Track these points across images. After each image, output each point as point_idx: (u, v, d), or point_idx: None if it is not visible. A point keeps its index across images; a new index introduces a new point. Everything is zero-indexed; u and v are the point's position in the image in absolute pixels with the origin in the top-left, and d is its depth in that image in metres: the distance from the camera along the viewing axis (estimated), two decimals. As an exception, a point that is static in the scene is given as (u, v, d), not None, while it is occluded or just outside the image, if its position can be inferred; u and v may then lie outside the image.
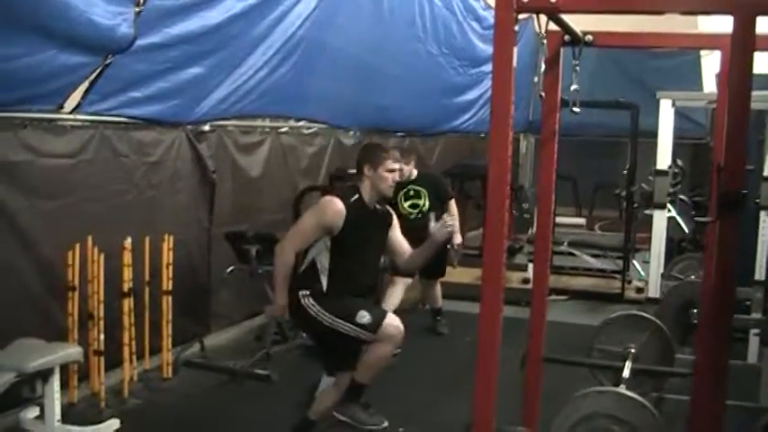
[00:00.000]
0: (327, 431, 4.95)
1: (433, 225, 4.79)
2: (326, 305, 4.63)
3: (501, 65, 2.80)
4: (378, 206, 4.89)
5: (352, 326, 4.60)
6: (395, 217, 5.04)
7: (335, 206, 4.64)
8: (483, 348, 2.93)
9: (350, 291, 4.73)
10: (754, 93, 2.62)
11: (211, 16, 5.63)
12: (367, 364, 4.78)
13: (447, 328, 7.81)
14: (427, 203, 7.51)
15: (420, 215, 7.40)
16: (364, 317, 4.61)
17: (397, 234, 4.98)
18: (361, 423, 5.00)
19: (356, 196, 4.75)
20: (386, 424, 5.06)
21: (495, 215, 2.87)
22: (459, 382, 6.10)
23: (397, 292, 7.48)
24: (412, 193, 7.52)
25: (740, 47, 2.57)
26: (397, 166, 4.92)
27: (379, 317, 4.67)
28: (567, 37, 3.75)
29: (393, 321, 4.71)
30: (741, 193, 2.56)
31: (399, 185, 7.28)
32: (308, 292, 4.65)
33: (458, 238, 7.73)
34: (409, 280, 7.59)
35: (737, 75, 2.59)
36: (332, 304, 4.64)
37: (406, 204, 7.48)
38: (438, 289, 7.89)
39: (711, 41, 4.46)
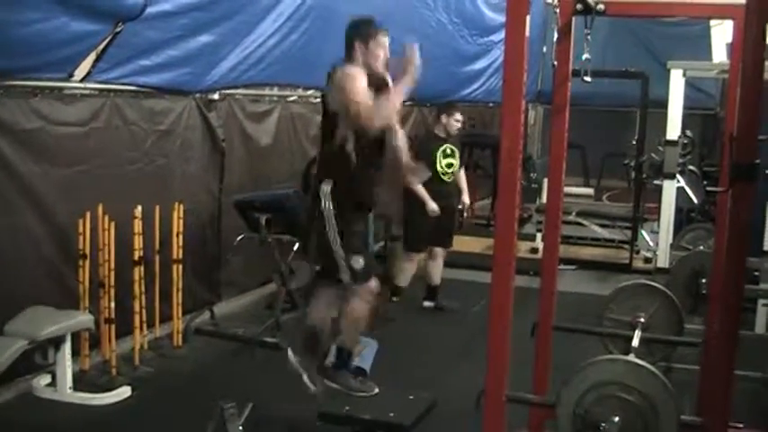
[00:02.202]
0: (332, 401, 4.98)
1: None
2: (340, 215, 4.44)
3: (514, 34, 2.79)
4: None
5: (343, 259, 4.48)
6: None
7: (354, 68, 4.42)
8: (495, 317, 2.94)
9: (369, 180, 4.58)
10: (767, 63, 2.61)
11: (222, -16, 5.62)
12: (348, 328, 4.75)
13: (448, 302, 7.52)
14: (457, 165, 7.42)
15: (452, 177, 7.36)
16: (358, 262, 4.52)
17: None
18: (351, 390, 4.98)
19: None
20: (377, 390, 5.06)
21: (507, 184, 2.87)
22: (468, 350, 6.14)
23: (437, 266, 7.49)
24: (449, 151, 7.32)
25: (754, 16, 2.56)
26: (388, 41, 4.63)
27: (368, 273, 4.58)
28: (579, 6, 3.73)
29: (373, 283, 4.67)
30: (754, 164, 2.55)
31: (439, 140, 7.27)
32: (329, 187, 4.43)
33: (466, 198, 7.66)
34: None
35: (751, 44, 2.57)
36: (345, 221, 4.45)
37: (444, 162, 7.28)
38: (440, 264, 7.59)
39: (724, 10, 4.42)
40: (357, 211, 4.60)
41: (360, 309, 4.67)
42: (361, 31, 4.59)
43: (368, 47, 4.53)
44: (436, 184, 7.03)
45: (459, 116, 7.37)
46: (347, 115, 4.37)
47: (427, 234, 7.31)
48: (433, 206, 6.96)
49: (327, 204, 4.45)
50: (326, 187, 4.47)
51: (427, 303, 7.52)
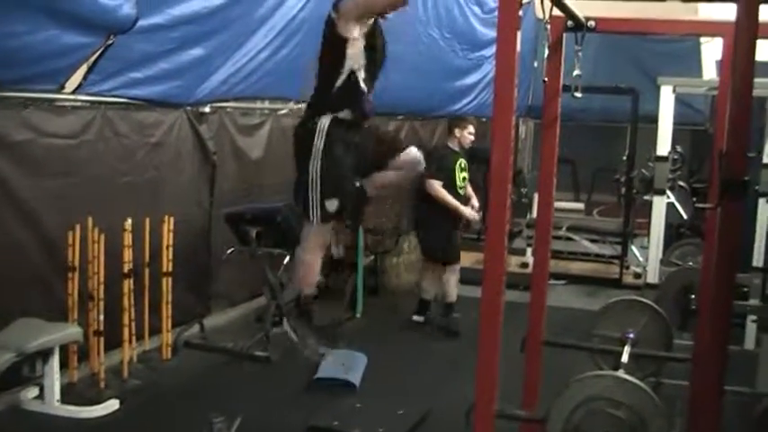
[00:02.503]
0: (322, 414, 4.97)
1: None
2: (326, 157, 4.27)
3: (504, 50, 2.80)
4: None
5: (318, 196, 4.31)
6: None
7: None
8: (484, 331, 2.94)
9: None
10: (756, 80, 2.62)
11: (213, -3, 5.63)
12: (297, 272, 4.62)
13: (459, 325, 7.23)
14: (467, 178, 7.44)
15: (464, 191, 7.40)
16: (333, 204, 4.31)
17: None
18: (301, 344, 4.84)
19: None
20: (323, 353, 4.90)
21: (497, 198, 2.88)
22: (459, 365, 6.13)
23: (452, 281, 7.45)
24: (463, 164, 7.38)
25: (744, 34, 2.58)
26: None
27: (336, 214, 4.40)
28: (569, 22, 3.75)
29: (329, 225, 4.49)
30: (743, 180, 2.57)
31: (454, 154, 7.29)
32: (328, 120, 4.30)
33: (476, 202, 7.56)
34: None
35: (741, 62, 2.59)
36: (330, 161, 4.28)
37: (461, 176, 7.33)
38: (454, 280, 7.46)
39: (714, 28, 4.45)
40: (347, 148, 4.44)
41: (311, 245, 4.49)
42: None
43: None
44: (455, 198, 7.11)
45: (472, 129, 7.39)
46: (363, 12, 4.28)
47: (447, 245, 7.34)
48: (468, 212, 7.11)
49: (320, 140, 4.33)
50: (324, 122, 4.34)
51: (416, 317, 7.50)
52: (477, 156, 11.60)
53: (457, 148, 7.36)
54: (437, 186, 7.06)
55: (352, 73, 4.33)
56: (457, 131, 7.36)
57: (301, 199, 4.38)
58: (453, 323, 7.20)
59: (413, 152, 4.60)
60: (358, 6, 4.31)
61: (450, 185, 7.13)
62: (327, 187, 4.30)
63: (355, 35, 4.30)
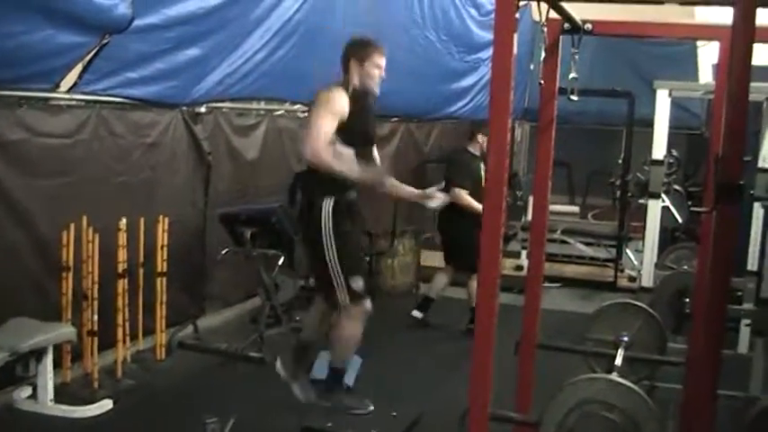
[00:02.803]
0: (316, 416, 4.97)
1: (433, 189, 4.69)
2: (339, 237, 4.48)
3: (501, 53, 2.80)
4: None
5: (342, 278, 4.51)
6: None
7: (337, 91, 4.48)
8: (479, 335, 2.94)
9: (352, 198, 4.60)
10: (752, 84, 2.62)
11: (209, -2, 5.62)
12: (338, 347, 4.75)
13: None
14: None
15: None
16: (357, 282, 4.52)
17: None
18: (346, 408, 5.00)
19: (350, 88, 4.58)
20: (372, 408, 5.08)
21: (492, 202, 2.88)
22: (453, 367, 6.13)
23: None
24: (484, 170, 7.38)
25: (740, 38, 2.58)
26: (384, 61, 4.68)
27: (364, 294, 4.61)
28: (566, 25, 3.75)
29: (367, 304, 4.65)
30: (739, 184, 2.56)
31: (477, 158, 7.25)
32: (332, 202, 4.48)
33: None
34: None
35: (737, 66, 2.59)
36: (344, 241, 4.49)
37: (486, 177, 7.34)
38: (472, 287, 7.25)
39: (711, 32, 4.45)
40: (355, 229, 4.61)
41: (353, 328, 4.67)
42: (357, 51, 4.67)
43: (363, 66, 4.60)
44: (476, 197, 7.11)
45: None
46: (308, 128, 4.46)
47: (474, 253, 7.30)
48: None
49: (328, 223, 4.45)
50: (328, 203, 4.46)
51: (416, 313, 7.52)
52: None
53: (478, 153, 7.33)
54: (464, 195, 7.06)
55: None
56: (480, 137, 7.30)
57: (325, 285, 4.62)
58: None
59: None
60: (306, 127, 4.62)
61: (477, 191, 7.06)
62: (349, 268, 4.53)
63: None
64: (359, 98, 4.50)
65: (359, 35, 4.74)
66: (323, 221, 4.48)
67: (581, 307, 7.81)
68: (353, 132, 4.48)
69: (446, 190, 6.80)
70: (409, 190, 4.81)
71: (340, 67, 4.83)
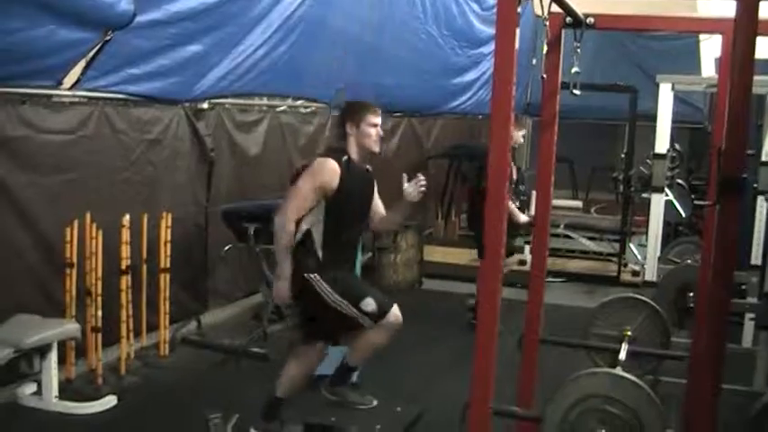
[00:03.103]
0: (319, 411, 4.96)
1: (406, 185, 4.71)
2: (333, 283, 4.55)
3: (503, 47, 2.79)
4: (368, 166, 4.79)
5: (355, 310, 4.55)
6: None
7: (330, 164, 4.52)
8: (481, 329, 2.93)
9: (342, 260, 4.68)
10: (755, 77, 2.62)
11: (211, -6, 5.63)
12: (361, 349, 4.76)
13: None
14: None
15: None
16: (370, 305, 4.55)
17: (376, 194, 4.91)
18: (351, 403, 5.01)
19: (345, 157, 4.61)
20: (375, 403, 5.08)
21: (495, 197, 2.87)
22: (456, 362, 6.13)
23: None
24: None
25: (743, 31, 2.57)
26: (379, 120, 4.74)
27: (384, 306, 4.61)
28: (568, 19, 3.74)
29: (395, 312, 4.67)
30: (742, 178, 2.56)
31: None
32: (314, 273, 4.55)
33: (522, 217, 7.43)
34: None
35: (740, 59, 2.58)
36: (340, 284, 4.56)
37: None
38: None
39: (713, 25, 4.44)
40: (342, 268, 4.69)
41: (381, 338, 4.68)
42: (351, 114, 4.71)
43: (359, 128, 4.64)
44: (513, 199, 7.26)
45: (523, 131, 7.46)
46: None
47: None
48: (522, 217, 7.20)
49: (321, 285, 4.56)
50: (314, 277, 4.58)
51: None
52: (471, 153, 11.65)
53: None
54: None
55: (310, 232, 4.61)
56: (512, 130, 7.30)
57: (342, 325, 4.68)
58: None
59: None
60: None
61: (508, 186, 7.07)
62: (353, 296, 4.57)
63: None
64: (351, 170, 4.57)
65: (352, 100, 4.84)
66: (311, 282, 4.58)
67: (584, 302, 7.81)
68: (339, 207, 4.55)
69: (473, 183, 6.84)
70: (401, 203, 4.84)
71: (342, 73, 4.86)
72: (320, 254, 4.59)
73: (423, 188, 4.63)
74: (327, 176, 4.51)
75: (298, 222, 4.57)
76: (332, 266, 4.60)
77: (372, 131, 4.66)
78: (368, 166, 4.85)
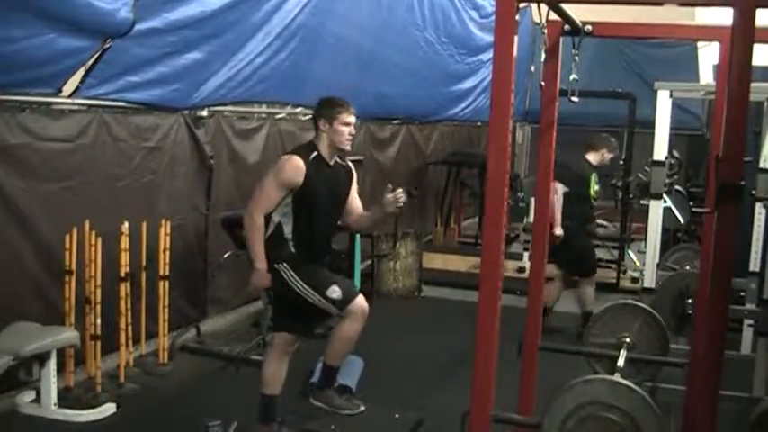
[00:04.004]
0: (307, 419, 4.97)
1: (388, 195, 4.75)
2: (300, 272, 4.65)
3: (502, 54, 2.80)
4: (338, 160, 4.85)
5: (321, 298, 4.63)
6: (355, 173, 5.02)
7: (293, 161, 4.60)
8: (481, 336, 2.94)
9: (313, 254, 4.76)
10: (753, 84, 2.63)
11: (210, 2, 5.64)
12: (335, 345, 4.83)
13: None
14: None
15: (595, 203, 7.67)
16: (335, 292, 4.64)
17: (354, 191, 4.98)
18: (337, 408, 5.02)
19: (315, 153, 4.69)
20: (362, 408, 5.09)
21: (494, 204, 2.88)
22: (456, 369, 6.14)
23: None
24: (596, 178, 7.59)
25: (740, 38, 2.58)
26: (352, 119, 4.80)
27: (349, 295, 4.71)
28: (566, 27, 3.75)
29: (361, 300, 4.74)
30: (740, 185, 2.57)
31: (593, 168, 7.48)
32: (283, 263, 4.65)
33: (558, 230, 7.31)
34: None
35: (737, 66, 2.59)
36: (306, 273, 4.66)
37: (596, 187, 7.56)
38: (589, 292, 7.57)
39: (711, 33, 4.46)
40: (312, 262, 4.78)
41: (352, 329, 4.73)
42: (324, 111, 4.79)
43: (332, 125, 4.72)
44: (588, 203, 7.48)
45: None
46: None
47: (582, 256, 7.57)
48: (557, 231, 7.11)
49: (289, 275, 4.67)
50: (283, 267, 4.68)
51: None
52: (470, 160, 11.67)
53: (596, 164, 7.58)
54: (558, 189, 7.17)
55: (279, 224, 4.71)
56: (604, 152, 7.64)
57: (313, 318, 4.86)
58: None
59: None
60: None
61: (584, 197, 7.39)
62: (319, 284, 4.69)
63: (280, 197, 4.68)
64: (319, 167, 4.63)
65: (327, 96, 4.87)
66: (285, 278, 4.67)
67: (583, 308, 7.79)
68: (306, 202, 4.65)
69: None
70: (378, 209, 4.88)
71: (341, 80, 4.90)
72: (291, 245, 4.69)
73: (400, 204, 4.71)
74: (290, 173, 4.61)
75: (269, 216, 4.66)
76: (302, 258, 4.70)
77: (345, 130, 4.73)
78: (347, 162, 4.94)
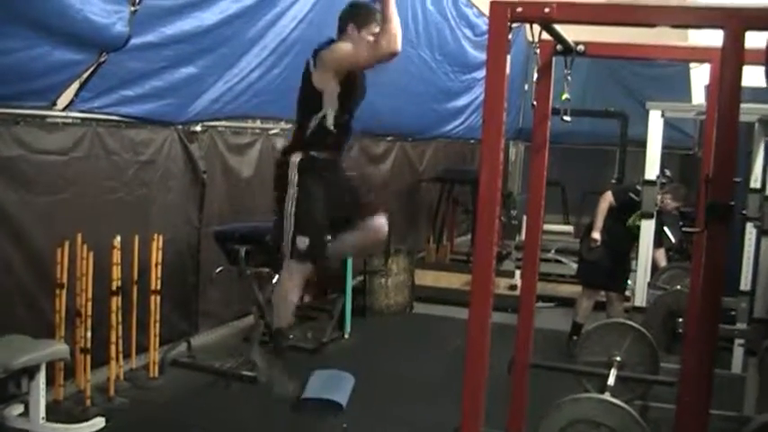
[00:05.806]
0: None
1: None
2: (302, 191, 4.50)
3: (494, 73, 2.83)
4: None
5: (291, 234, 4.48)
6: None
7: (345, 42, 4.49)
8: (471, 354, 2.95)
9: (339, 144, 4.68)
10: (743, 105, 2.65)
11: (206, 17, 5.63)
12: (277, 303, 4.70)
13: None
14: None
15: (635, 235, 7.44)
16: (303, 241, 4.47)
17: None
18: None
19: None
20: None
21: (485, 221, 2.89)
22: (446, 386, 6.12)
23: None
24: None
25: (730, 60, 2.60)
26: (378, 29, 4.50)
27: (312, 255, 4.53)
28: (559, 46, 3.77)
29: (309, 266, 4.61)
30: (730, 205, 2.59)
31: (636, 206, 7.18)
32: (299, 157, 4.53)
33: (596, 234, 7.51)
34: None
35: (727, 87, 2.62)
36: (306, 197, 4.50)
37: (637, 222, 7.25)
38: (619, 310, 7.62)
39: (702, 54, 4.49)
40: (325, 192, 4.60)
41: (290, 287, 4.60)
42: (359, 19, 4.58)
43: (360, 33, 4.55)
44: (628, 235, 7.42)
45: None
46: (355, 65, 4.49)
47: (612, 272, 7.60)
48: (596, 236, 7.32)
49: (294, 175, 4.50)
50: (296, 158, 4.53)
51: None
52: (463, 177, 11.69)
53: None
54: (607, 197, 7.34)
55: (324, 117, 4.52)
56: (668, 197, 7.61)
57: (277, 235, 4.60)
58: None
59: (381, 219, 4.74)
60: (341, 64, 4.49)
61: (623, 220, 7.43)
62: (300, 223, 4.49)
63: (332, 87, 4.48)
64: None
65: (359, 1, 4.69)
66: (289, 175, 4.52)
67: (574, 326, 7.80)
68: (349, 92, 4.56)
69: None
70: None
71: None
72: (326, 138, 4.56)
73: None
74: (353, 45, 4.49)
75: (317, 107, 4.52)
76: (313, 147, 4.57)
77: (370, 39, 4.50)
78: None
